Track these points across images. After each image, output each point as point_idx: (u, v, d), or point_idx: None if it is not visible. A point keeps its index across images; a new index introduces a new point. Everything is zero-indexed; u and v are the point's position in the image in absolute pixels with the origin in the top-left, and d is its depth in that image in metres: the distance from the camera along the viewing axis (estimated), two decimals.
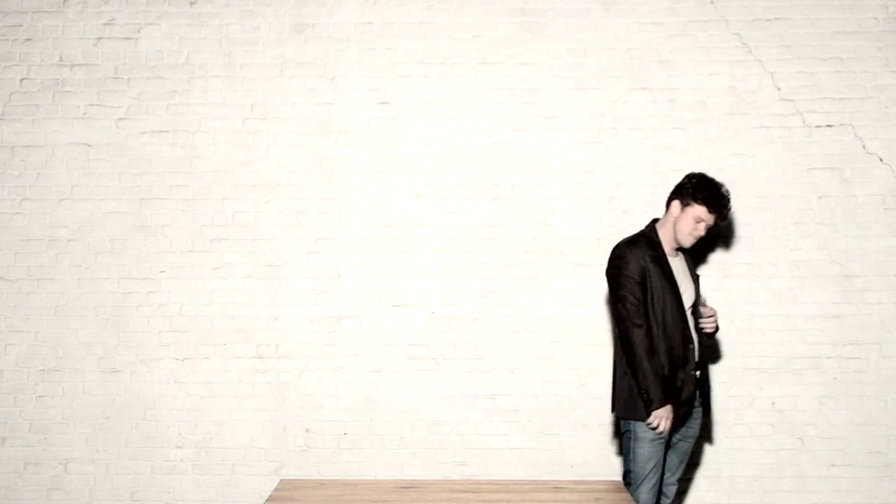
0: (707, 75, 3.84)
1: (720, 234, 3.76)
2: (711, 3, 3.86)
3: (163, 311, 3.80)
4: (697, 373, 3.01)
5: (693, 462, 3.71)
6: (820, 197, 3.78)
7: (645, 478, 2.91)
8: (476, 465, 3.75)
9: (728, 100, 3.82)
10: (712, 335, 3.19)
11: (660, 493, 3.05)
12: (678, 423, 2.96)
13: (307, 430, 3.77)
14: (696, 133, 3.82)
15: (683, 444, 3.12)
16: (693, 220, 2.96)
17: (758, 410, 3.72)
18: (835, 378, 3.71)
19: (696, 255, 3.74)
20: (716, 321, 3.09)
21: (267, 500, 2.44)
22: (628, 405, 2.94)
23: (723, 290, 3.75)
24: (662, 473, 2.98)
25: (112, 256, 3.83)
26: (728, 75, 3.83)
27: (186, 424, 3.77)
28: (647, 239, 3.03)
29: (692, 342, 2.96)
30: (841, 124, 3.80)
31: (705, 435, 3.70)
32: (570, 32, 3.87)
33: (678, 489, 3.24)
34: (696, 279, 3.13)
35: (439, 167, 3.84)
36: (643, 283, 2.91)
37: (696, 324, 3.05)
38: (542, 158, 3.83)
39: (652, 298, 2.90)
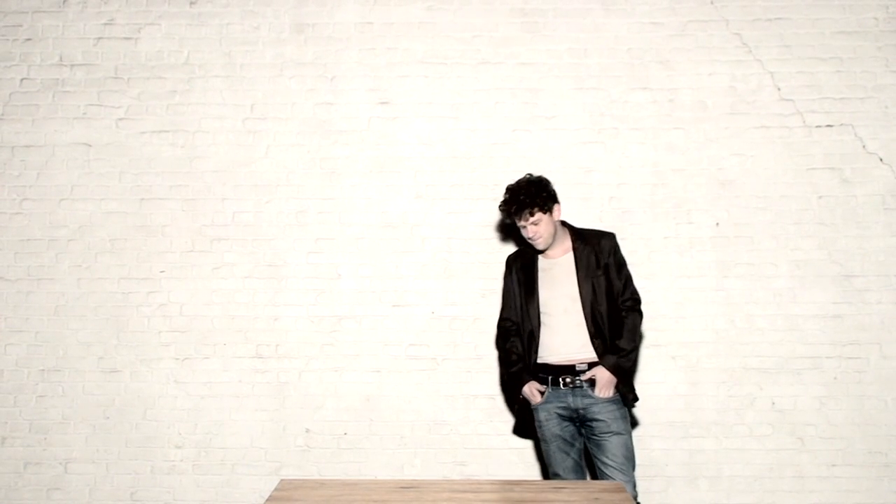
0: (707, 75, 3.84)
1: (721, 234, 3.77)
2: (711, 3, 3.87)
3: (163, 311, 3.80)
4: (586, 374, 2.99)
5: (693, 462, 3.71)
6: (820, 197, 3.78)
7: (549, 472, 3.15)
8: (476, 465, 3.75)
9: (728, 100, 3.83)
10: (623, 391, 3.03)
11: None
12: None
13: (307, 430, 3.77)
14: (696, 133, 3.82)
15: (604, 440, 3.00)
16: (521, 231, 3.09)
17: (758, 410, 3.72)
18: (835, 378, 3.71)
19: (693, 255, 3.75)
20: (603, 387, 2.97)
21: (267, 500, 2.43)
22: None
23: (723, 290, 3.75)
24: (582, 473, 3.14)
25: (112, 256, 3.83)
26: (728, 75, 3.84)
27: (186, 424, 3.77)
28: (525, 248, 3.21)
29: (535, 337, 3.07)
30: (841, 124, 3.80)
31: (706, 434, 3.71)
32: (570, 32, 3.87)
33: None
34: (601, 273, 3.03)
35: (439, 167, 3.84)
36: (511, 289, 3.19)
37: (594, 318, 3.01)
38: (542, 158, 3.83)
39: (516, 298, 3.17)
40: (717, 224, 3.78)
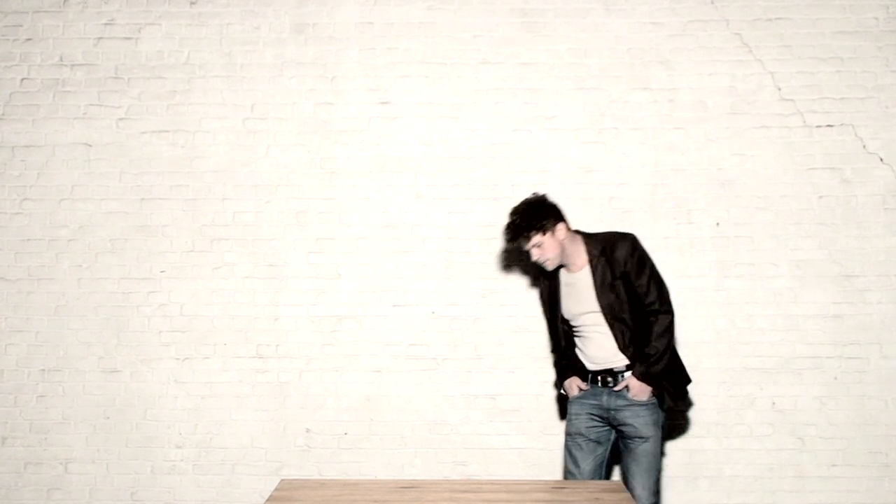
0: (707, 75, 3.84)
1: (721, 234, 3.77)
2: (712, 3, 3.87)
3: (163, 311, 3.80)
4: (620, 384, 3.05)
5: (693, 462, 3.71)
6: (820, 197, 3.78)
7: (564, 467, 3.23)
8: (476, 465, 3.75)
9: (728, 100, 3.83)
10: (659, 394, 3.08)
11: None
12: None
13: (307, 430, 3.77)
14: (697, 133, 3.82)
15: (631, 444, 3.04)
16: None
17: (758, 410, 3.72)
18: (835, 378, 3.71)
19: (693, 255, 3.75)
20: (637, 395, 3.01)
21: (267, 500, 2.44)
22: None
23: (723, 290, 3.75)
24: (604, 473, 3.20)
25: (112, 256, 3.83)
26: (728, 75, 3.84)
27: (187, 424, 3.77)
28: None
29: (571, 345, 3.21)
30: (841, 124, 3.80)
31: (706, 434, 3.71)
32: (571, 32, 3.87)
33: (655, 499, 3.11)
34: (620, 282, 3.03)
35: (439, 167, 3.84)
36: (543, 297, 3.37)
37: (613, 324, 3.06)
38: (542, 158, 3.83)
39: (547, 306, 3.33)
40: (718, 224, 3.78)
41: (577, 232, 3.18)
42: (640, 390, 3.01)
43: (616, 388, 3.05)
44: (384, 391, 3.78)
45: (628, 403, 3.03)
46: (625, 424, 3.05)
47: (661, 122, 3.83)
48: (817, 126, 3.80)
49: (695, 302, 3.75)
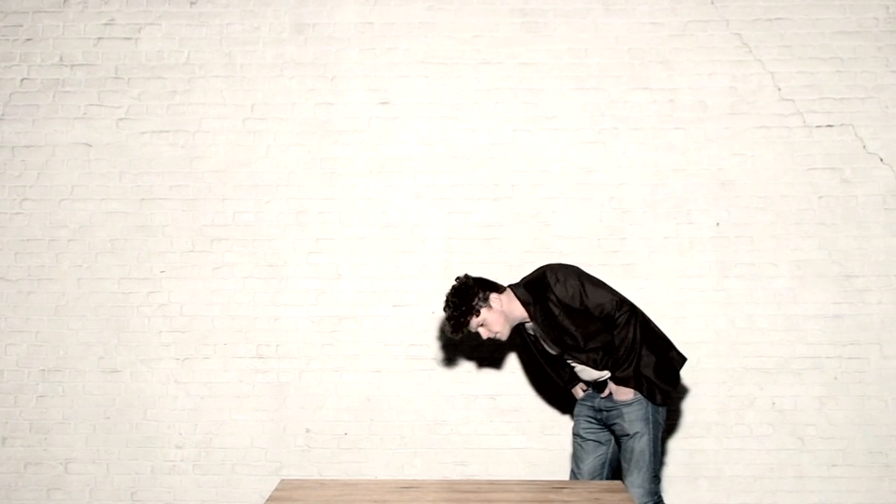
0: (707, 75, 3.84)
1: (721, 234, 3.77)
2: (712, 3, 3.87)
3: (163, 311, 3.80)
4: (605, 391, 3.11)
5: (693, 462, 3.71)
6: (820, 197, 3.78)
7: None
8: (476, 465, 3.75)
9: (728, 100, 3.83)
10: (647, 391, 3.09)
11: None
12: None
13: (307, 431, 3.77)
14: (696, 133, 3.82)
15: (621, 442, 3.08)
16: None
17: (758, 410, 3.72)
18: (835, 378, 3.71)
19: (693, 255, 3.76)
20: (620, 396, 3.04)
21: (267, 500, 2.44)
22: None
23: (723, 290, 3.75)
24: (606, 472, 3.25)
25: (112, 256, 3.83)
26: (728, 75, 3.84)
27: (187, 424, 3.77)
28: None
29: (564, 368, 3.27)
30: (841, 124, 3.80)
31: (706, 434, 3.72)
32: (571, 32, 3.87)
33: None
34: (564, 318, 3.02)
35: (439, 167, 3.84)
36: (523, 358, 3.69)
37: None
38: (542, 158, 3.83)
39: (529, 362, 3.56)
40: (718, 224, 3.78)
41: (509, 287, 3.13)
42: (621, 393, 3.04)
43: (602, 396, 3.13)
44: (384, 391, 3.78)
45: (613, 405, 3.07)
46: (613, 424, 3.10)
47: (661, 122, 3.83)
48: (817, 126, 3.80)
49: (695, 302, 3.75)
